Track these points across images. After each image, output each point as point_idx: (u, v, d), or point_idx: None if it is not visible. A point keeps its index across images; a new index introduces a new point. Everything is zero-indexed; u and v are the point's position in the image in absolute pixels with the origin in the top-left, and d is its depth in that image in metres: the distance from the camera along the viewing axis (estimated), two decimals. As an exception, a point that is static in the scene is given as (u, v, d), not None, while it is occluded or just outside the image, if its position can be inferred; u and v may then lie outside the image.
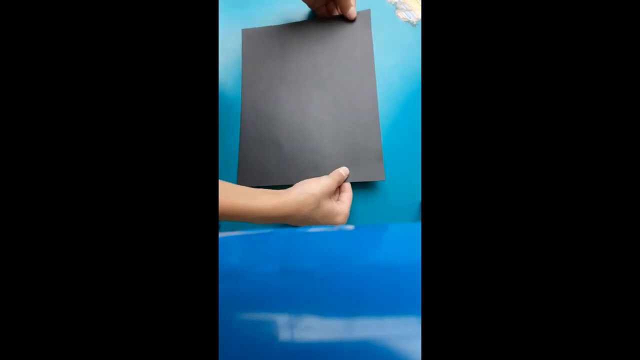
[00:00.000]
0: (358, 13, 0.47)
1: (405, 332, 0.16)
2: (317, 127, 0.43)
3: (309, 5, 0.46)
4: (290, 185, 0.38)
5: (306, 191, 0.36)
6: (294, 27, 0.48)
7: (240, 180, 0.41)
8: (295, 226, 0.37)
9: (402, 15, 0.50)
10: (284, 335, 0.16)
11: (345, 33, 0.47)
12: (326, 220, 0.37)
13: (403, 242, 0.21)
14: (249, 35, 0.49)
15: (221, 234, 0.22)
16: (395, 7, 0.51)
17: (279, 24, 0.48)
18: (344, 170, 0.40)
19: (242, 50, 0.48)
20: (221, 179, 0.38)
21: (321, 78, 0.45)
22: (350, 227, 0.26)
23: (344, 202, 0.39)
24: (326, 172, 0.41)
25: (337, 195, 0.40)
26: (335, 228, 0.27)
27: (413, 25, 0.50)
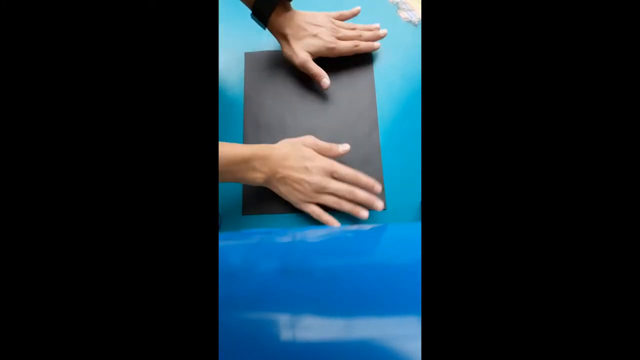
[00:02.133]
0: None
1: (405, 332, 0.16)
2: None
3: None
4: (296, 214, 0.40)
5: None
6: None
7: (245, 210, 0.41)
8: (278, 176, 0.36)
9: (403, 15, 0.50)
10: (284, 335, 0.16)
11: (346, 64, 0.47)
12: (309, 157, 0.37)
13: (403, 242, 0.21)
14: (251, 59, 0.48)
15: (221, 234, 0.22)
16: (396, 7, 0.51)
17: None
18: (342, 147, 0.39)
19: (245, 73, 0.47)
20: (225, 197, 0.39)
21: (324, 107, 0.46)
22: (351, 227, 0.26)
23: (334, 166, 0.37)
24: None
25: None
26: (335, 229, 0.27)
27: (414, 25, 0.50)
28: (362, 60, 0.47)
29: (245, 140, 0.44)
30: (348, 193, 0.36)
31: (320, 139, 0.43)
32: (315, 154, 0.38)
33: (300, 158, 0.36)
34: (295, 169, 0.36)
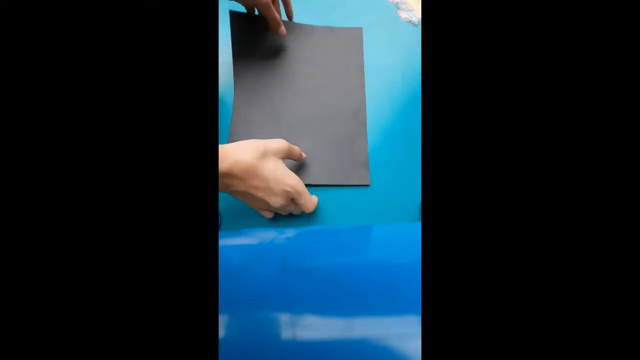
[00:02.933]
0: (350, 30, 0.48)
1: (405, 332, 0.16)
2: (310, 130, 0.43)
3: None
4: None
5: (251, 141, 0.35)
6: (287, 26, 0.47)
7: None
8: (244, 190, 0.34)
9: (403, 15, 0.50)
10: (284, 334, 0.16)
11: (337, 45, 0.48)
12: (275, 177, 0.34)
13: (403, 242, 0.21)
14: (238, 20, 0.45)
15: (221, 234, 0.22)
16: (396, 7, 0.51)
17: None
18: (304, 155, 0.40)
19: (232, 36, 0.44)
20: None
21: (312, 84, 0.46)
22: (351, 227, 0.25)
23: (303, 192, 0.36)
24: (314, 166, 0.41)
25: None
26: (335, 229, 0.27)
27: (414, 25, 0.50)
28: (353, 70, 0.47)
29: (234, 113, 0.44)
30: (297, 212, 0.39)
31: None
32: (282, 171, 0.35)
33: (267, 177, 0.34)
34: (260, 188, 0.34)
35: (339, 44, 0.47)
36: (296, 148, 0.38)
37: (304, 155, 0.40)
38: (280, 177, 0.34)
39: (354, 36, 0.48)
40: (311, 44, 0.47)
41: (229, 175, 0.33)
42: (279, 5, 0.45)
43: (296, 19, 0.49)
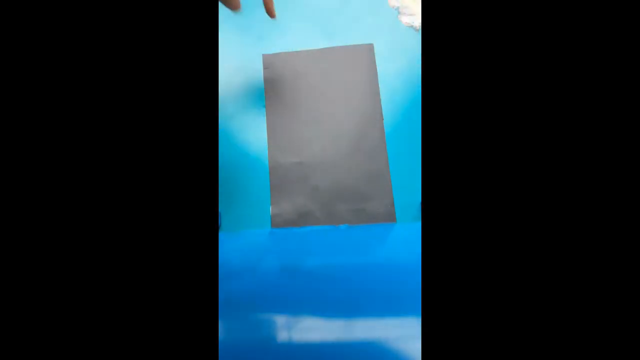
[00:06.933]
0: (361, 47, 0.49)
1: (405, 333, 0.16)
2: (337, 168, 0.45)
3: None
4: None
5: None
6: (309, 55, 0.49)
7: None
8: None
9: (405, 19, 0.50)
10: (284, 336, 0.16)
11: (349, 65, 0.48)
12: None
13: (403, 242, 0.21)
14: (270, 60, 0.49)
15: (221, 234, 0.22)
16: (397, 11, 0.51)
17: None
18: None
19: (264, 75, 0.49)
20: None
21: (332, 111, 0.47)
22: (352, 227, 0.26)
23: None
24: (346, 199, 0.42)
25: None
26: (336, 228, 0.27)
27: (416, 30, 0.50)
28: (369, 98, 0.47)
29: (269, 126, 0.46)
30: None
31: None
32: None
33: None
34: None
35: (351, 64, 0.48)
36: None
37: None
38: None
39: (366, 53, 0.49)
40: (325, 68, 0.48)
41: None
42: None
43: (296, 24, 0.50)
